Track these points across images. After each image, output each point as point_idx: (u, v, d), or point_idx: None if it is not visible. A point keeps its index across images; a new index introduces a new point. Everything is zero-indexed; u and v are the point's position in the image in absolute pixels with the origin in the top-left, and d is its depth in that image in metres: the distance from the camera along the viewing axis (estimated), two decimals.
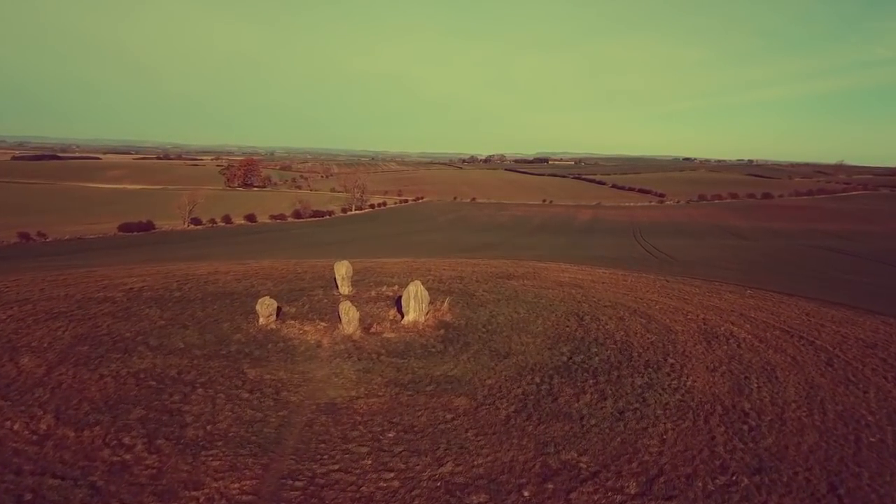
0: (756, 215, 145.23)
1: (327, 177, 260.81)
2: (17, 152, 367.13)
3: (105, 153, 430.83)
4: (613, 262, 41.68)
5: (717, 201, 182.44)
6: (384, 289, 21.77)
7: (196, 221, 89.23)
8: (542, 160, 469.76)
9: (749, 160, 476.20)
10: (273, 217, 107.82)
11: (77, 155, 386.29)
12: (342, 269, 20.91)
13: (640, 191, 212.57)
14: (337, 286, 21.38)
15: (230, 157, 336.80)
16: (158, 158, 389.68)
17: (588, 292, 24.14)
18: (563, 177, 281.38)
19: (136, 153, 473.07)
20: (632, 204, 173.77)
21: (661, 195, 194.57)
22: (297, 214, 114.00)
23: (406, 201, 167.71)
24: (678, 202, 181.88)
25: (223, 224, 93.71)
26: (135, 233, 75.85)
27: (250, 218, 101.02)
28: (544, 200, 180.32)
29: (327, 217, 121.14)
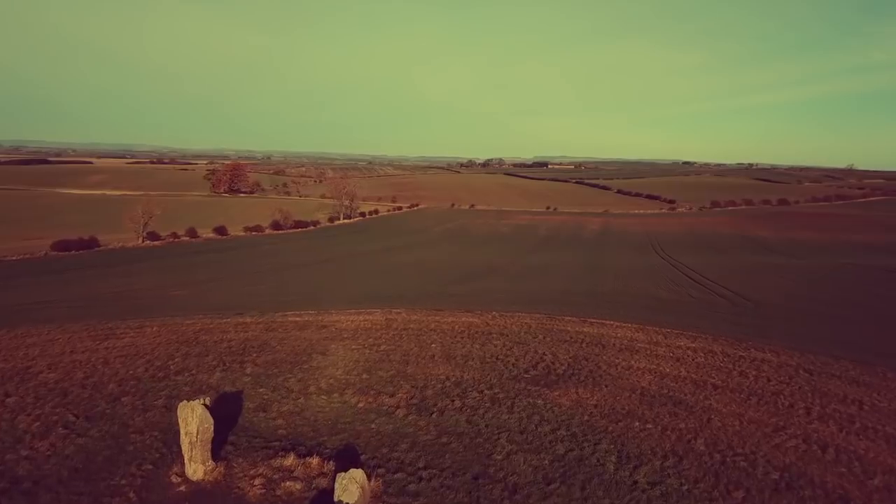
0: (779, 224, 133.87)
1: (321, 182, 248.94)
2: (3, 157, 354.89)
3: (99, 157, 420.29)
4: (671, 307, 29.96)
5: (731, 208, 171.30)
6: (289, 461, 9.77)
7: (153, 236, 76.96)
8: (541, 164, 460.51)
9: (749, 164, 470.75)
10: (248, 229, 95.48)
11: (69, 159, 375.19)
12: (192, 424, 9.03)
13: (648, 197, 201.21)
14: (184, 459, 9.47)
15: (225, 162, 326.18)
16: (151, 163, 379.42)
17: (711, 428, 12.38)
18: (565, 181, 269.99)
19: (132, 157, 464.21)
20: (642, 211, 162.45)
21: (672, 201, 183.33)
22: (276, 225, 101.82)
23: (400, 209, 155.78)
24: (690, 209, 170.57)
25: (187, 238, 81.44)
26: (72, 252, 63.84)
27: (220, 231, 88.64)
28: (548, 207, 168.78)
29: (311, 228, 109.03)
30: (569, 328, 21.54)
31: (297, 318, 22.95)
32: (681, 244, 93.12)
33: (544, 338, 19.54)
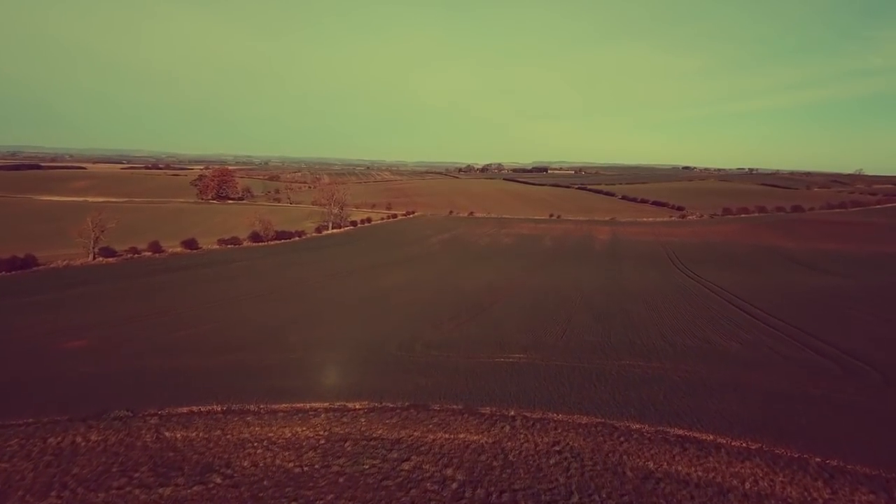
0: (800, 233, 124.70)
1: (315, 188, 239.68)
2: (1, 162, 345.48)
3: (95, 163, 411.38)
4: (768, 384, 20.51)
5: (744, 216, 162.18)
6: None
7: (108, 252, 67.16)
8: (540, 169, 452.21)
9: (750, 169, 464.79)
10: (223, 241, 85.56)
11: (62, 164, 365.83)
12: None
13: (655, 203, 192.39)
14: None
15: (222, 168, 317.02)
16: (146, 168, 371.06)
17: None
18: (567, 187, 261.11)
19: (128, 163, 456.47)
20: (651, 219, 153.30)
21: (681, 208, 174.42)
22: (256, 237, 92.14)
23: (395, 216, 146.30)
24: (701, 217, 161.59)
25: (149, 253, 71.83)
26: (1, 273, 54.43)
27: (189, 244, 78.82)
28: (551, 215, 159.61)
29: (295, 239, 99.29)
30: (650, 465, 12.10)
31: (181, 434, 13.49)
32: (701, 258, 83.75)
33: None
